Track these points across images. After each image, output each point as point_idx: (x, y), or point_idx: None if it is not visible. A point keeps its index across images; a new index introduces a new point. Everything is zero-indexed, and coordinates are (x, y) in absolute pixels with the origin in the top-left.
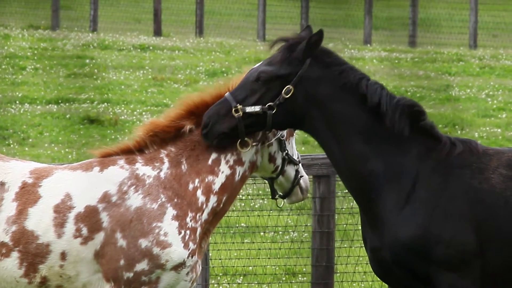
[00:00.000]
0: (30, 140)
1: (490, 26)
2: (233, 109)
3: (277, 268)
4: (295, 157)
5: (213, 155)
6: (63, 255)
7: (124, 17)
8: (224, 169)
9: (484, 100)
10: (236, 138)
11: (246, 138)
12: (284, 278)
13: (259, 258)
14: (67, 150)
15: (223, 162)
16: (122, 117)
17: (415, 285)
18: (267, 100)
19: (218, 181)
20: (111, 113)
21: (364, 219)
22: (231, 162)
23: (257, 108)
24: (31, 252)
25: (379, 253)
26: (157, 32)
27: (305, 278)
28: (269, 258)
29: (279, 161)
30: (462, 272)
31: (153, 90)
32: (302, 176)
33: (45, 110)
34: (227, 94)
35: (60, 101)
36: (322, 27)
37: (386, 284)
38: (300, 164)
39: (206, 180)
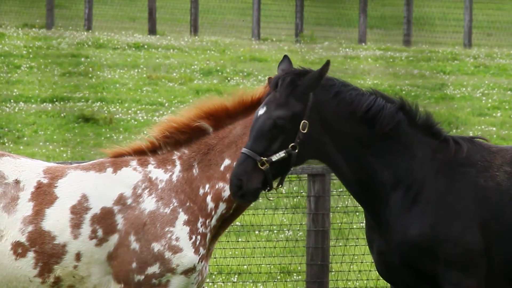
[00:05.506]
0: (25, 138)
1: (485, 25)
2: (259, 163)
3: (272, 267)
4: None
5: (226, 162)
6: (78, 256)
7: (119, 16)
8: None
9: (479, 99)
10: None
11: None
12: (279, 277)
13: (254, 257)
14: (62, 148)
15: None
16: (117, 116)
17: (420, 285)
18: (289, 141)
19: (228, 189)
20: (106, 111)
21: (371, 224)
22: None
23: (282, 154)
24: (47, 253)
25: (387, 256)
26: (152, 31)
27: (300, 277)
28: (264, 257)
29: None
30: (468, 271)
31: (148, 89)
32: None
33: (40, 108)
34: (245, 150)
35: (55, 100)
36: (316, 25)
37: (381, 283)
38: None
39: (217, 186)
